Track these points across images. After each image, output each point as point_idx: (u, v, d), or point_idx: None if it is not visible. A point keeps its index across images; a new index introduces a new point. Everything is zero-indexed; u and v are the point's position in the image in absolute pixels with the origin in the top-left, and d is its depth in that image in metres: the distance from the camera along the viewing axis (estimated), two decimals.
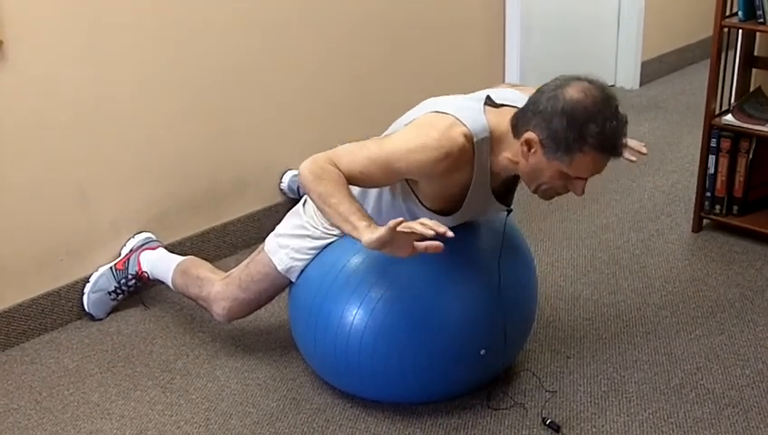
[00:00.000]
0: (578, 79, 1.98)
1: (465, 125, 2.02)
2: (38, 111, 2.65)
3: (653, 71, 5.24)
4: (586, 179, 2.03)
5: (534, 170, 2.03)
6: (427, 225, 1.87)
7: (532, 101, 2.01)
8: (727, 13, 3.11)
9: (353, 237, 1.98)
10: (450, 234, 1.87)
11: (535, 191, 2.10)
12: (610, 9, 5.02)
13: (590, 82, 1.97)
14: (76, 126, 2.75)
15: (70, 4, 2.64)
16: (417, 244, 1.91)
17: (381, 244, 1.91)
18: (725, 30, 3.13)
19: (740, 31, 3.26)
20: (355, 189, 2.14)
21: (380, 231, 1.89)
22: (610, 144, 1.96)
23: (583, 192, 2.05)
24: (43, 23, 2.59)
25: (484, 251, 2.32)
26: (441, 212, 2.17)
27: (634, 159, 2.29)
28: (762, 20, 3.01)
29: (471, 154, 2.04)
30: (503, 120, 2.07)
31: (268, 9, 3.17)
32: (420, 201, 2.16)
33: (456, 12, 3.91)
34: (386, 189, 2.21)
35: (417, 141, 2.01)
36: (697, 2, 5.13)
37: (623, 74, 5.15)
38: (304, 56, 3.33)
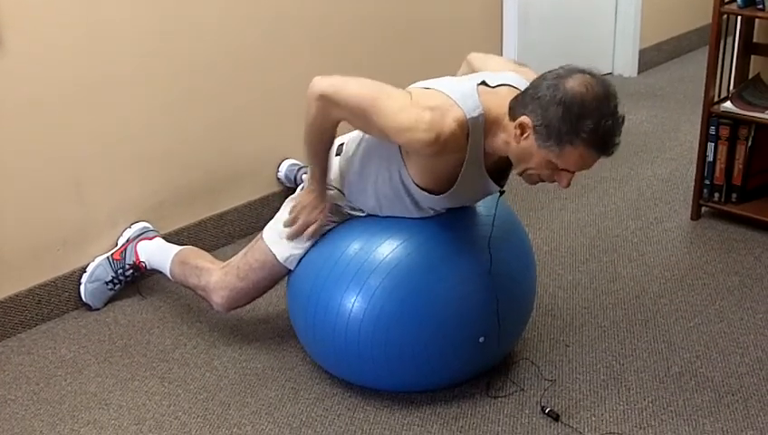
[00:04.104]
0: (582, 71, 1.95)
1: (459, 106, 2.01)
2: (35, 101, 2.63)
3: (651, 58, 5.23)
4: (573, 173, 2.02)
5: (523, 154, 2.02)
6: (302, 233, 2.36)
7: (533, 86, 1.99)
8: None
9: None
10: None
11: (521, 174, 2.09)
12: None
13: (593, 76, 1.95)
14: (73, 116, 2.73)
15: None
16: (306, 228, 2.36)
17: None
18: (724, 17, 3.12)
19: (739, 17, 3.25)
20: (349, 151, 2.35)
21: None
22: (602, 142, 1.94)
23: (568, 185, 2.03)
24: (40, 12, 2.58)
25: (483, 239, 2.31)
26: (434, 191, 2.17)
27: None
28: (761, 6, 3.00)
29: (464, 137, 2.03)
30: (498, 101, 2.06)
31: (265, 4, 3.15)
32: (413, 180, 2.16)
33: (453, 8, 3.89)
34: (382, 169, 2.22)
35: (411, 121, 1.99)
36: None
37: (621, 62, 5.14)
38: (302, 45, 3.32)
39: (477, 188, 2.22)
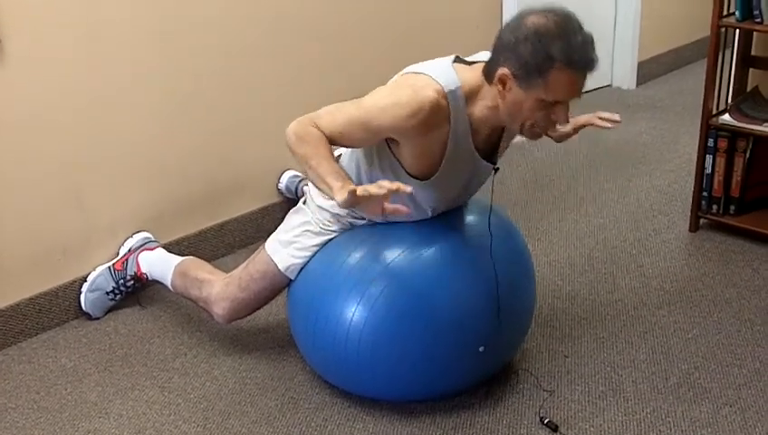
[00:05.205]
0: (535, 10, 2.01)
1: (436, 81, 2.06)
2: (36, 111, 2.64)
3: (650, 71, 5.25)
4: (567, 105, 2.05)
5: (514, 106, 2.05)
6: (383, 186, 1.91)
7: (497, 40, 2.04)
8: (724, 12, 3.11)
9: (330, 197, 2.01)
10: (407, 189, 1.91)
11: (521, 132, 2.12)
12: (607, 9, 5.03)
13: (550, 9, 2.01)
14: (74, 126, 2.74)
15: (68, 7, 2.63)
16: (385, 206, 1.95)
17: (351, 204, 1.95)
18: (723, 29, 3.13)
19: (737, 30, 3.27)
20: (344, 160, 2.28)
21: (346, 195, 1.93)
22: (580, 58, 1.98)
23: (567, 118, 2.07)
24: (40, 23, 2.59)
25: (483, 249, 2.32)
26: (426, 178, 2.20)
27: (609, 125, 2.39)
28: (759, 19, 3.01)
29: (446, 109, 2.07)
30: (474, 74, 2.11)
31: (265, 9, 3.17)
32: (404, 169, 2.18)
33: (452, 8, 3.91)
34: (375, 163, 2.24)
35: (391, 99, 2.06)
36: (694, 2, 5.14)
37: (620, 74, 5.16)
38: (302, 56, 3.33)
39: (468, 167, 2.24)
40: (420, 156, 2.15)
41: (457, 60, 2.15)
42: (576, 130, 2.51)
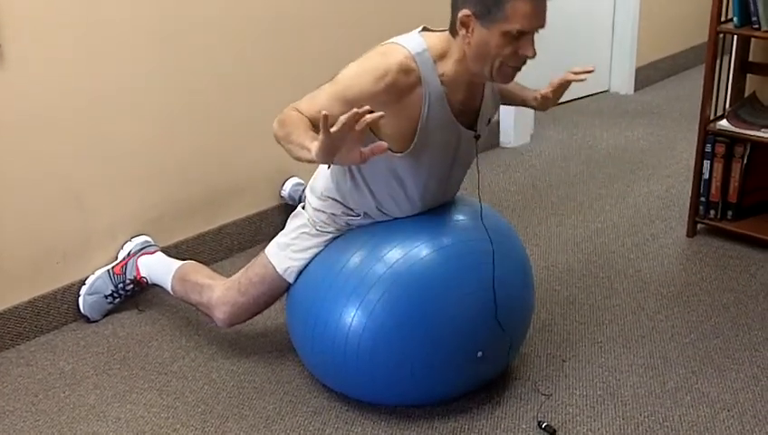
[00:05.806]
0: None
1: (402, 46, 2.13)
2: (35, 113, 2.65)
3: (647, 76, 5.27)
4: (532, 36, 2.08)
5: (480, 48, 2.08)
6: (350, 111, 1.86)
7: None
8: (722, 18, 3.13)
9: (311, 160, 1.99)
10: (378, 115, 1.89)
11: (491, 75, 2.13)
12: (605, 15, 5.04)
13: None
14: (74, 126, 2.75)
15: (68, 9, 2.64)
16: (362, 150, 1.95)
17: (327, 151, 1.90)
18: (721, 36, 3.15)
19: (735, 36, 3.28)
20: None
21: (319, 138, 1.90)
22: None
23: (534, 51, 2.09)
24: (41, 26, 2.59)
25: (482, 254, 2.32)
26: (407, 148, 2.21)
27: (584, 77, 2.43)
28: (757, 26, 3.02)
29: (415, 71, 2.11)
30: (443, 38, 2.17)
31: (265, 9, 3.18)
32: (389, 148, 2.17)
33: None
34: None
35: (360, 68, 2.13)
36: (692, 8, 5.16)
37: (618, 80, 5.17)
38: (302, 56, 3.34)
39: (450, 137, 2.24)
40: (401, 127, 2.16)
41: (425, 30, 2.21)
42: (556, 93, 2.52)
